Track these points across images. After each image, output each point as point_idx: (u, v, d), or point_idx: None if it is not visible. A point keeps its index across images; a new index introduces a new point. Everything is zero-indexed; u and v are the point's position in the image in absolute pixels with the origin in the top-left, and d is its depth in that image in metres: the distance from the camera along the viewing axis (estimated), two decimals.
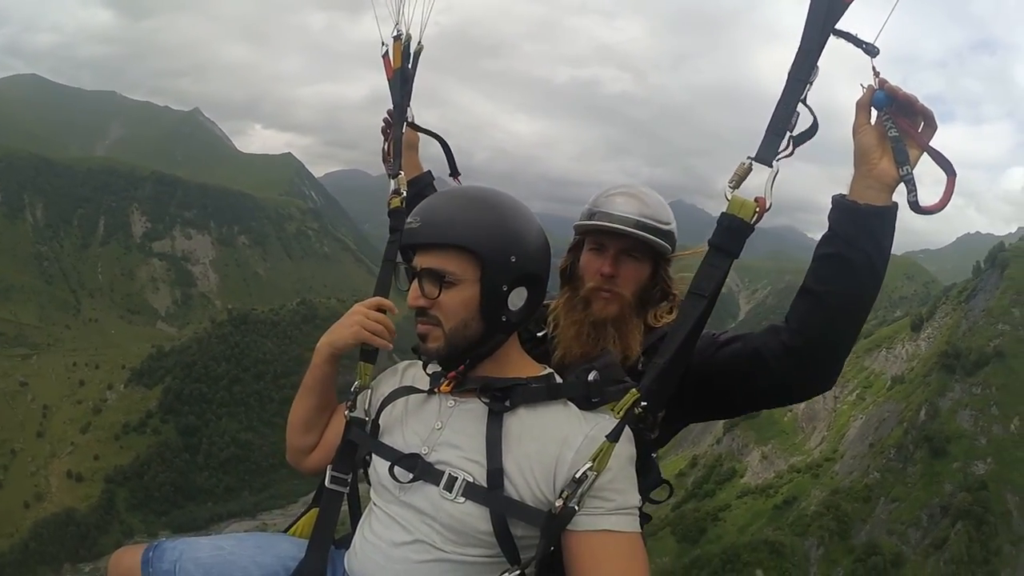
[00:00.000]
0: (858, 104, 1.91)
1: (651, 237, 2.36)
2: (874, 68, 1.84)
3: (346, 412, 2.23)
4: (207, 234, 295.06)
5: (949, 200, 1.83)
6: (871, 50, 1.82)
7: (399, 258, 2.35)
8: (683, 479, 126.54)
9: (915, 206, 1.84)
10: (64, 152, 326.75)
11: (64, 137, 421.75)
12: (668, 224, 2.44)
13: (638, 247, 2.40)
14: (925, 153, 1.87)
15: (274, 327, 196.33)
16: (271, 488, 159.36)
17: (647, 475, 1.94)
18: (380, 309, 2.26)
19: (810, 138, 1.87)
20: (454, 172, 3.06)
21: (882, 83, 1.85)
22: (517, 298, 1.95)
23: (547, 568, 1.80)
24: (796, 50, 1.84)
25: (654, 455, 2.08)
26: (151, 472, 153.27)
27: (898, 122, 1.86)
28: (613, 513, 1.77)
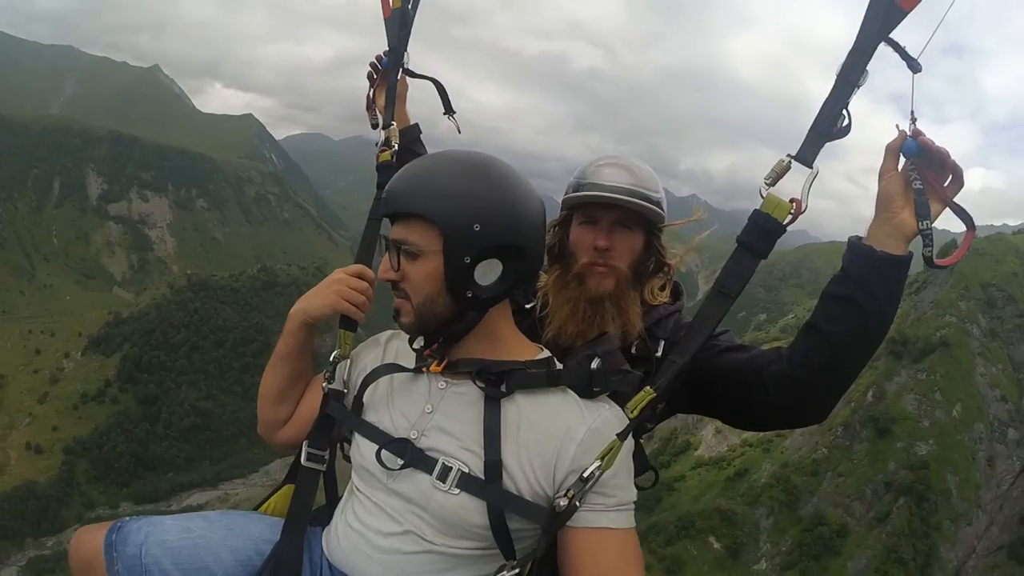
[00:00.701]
0: (887, 148, 1.88)
1: (645, 204, 2.27)
2: (912, 115, 1.82)
3: (324, 384, 2.11)
4: (164, 197, 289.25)
5: (964, 253, 1.88)
6: (915, 66, 1.79)
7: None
8: None
9: (929, 261, 1.85)
10: (18, 109, 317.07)
11: (18, 93, 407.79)
12: (658, 193, 2.35)
13: (631, 217, 2.31)
14: (948, 208, 1.85)
15: (234, 294, 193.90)
16: (232, 457, 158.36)
17: (636, 461, 1.90)
18: (362, 278, 2.15)
19: (845, 135, 1.85)
20: (448, 110, 2.92)
21: (916, 133, 1.83)
22: (487, 271, 1.80)
23: (540, 561, 1.76)
24: (848, 52, 1.83)
25: (640, 441, 2.09)
26: (111, 443, 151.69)
27: (924, 174, 1.84)
28: (613, 510, 1.73)
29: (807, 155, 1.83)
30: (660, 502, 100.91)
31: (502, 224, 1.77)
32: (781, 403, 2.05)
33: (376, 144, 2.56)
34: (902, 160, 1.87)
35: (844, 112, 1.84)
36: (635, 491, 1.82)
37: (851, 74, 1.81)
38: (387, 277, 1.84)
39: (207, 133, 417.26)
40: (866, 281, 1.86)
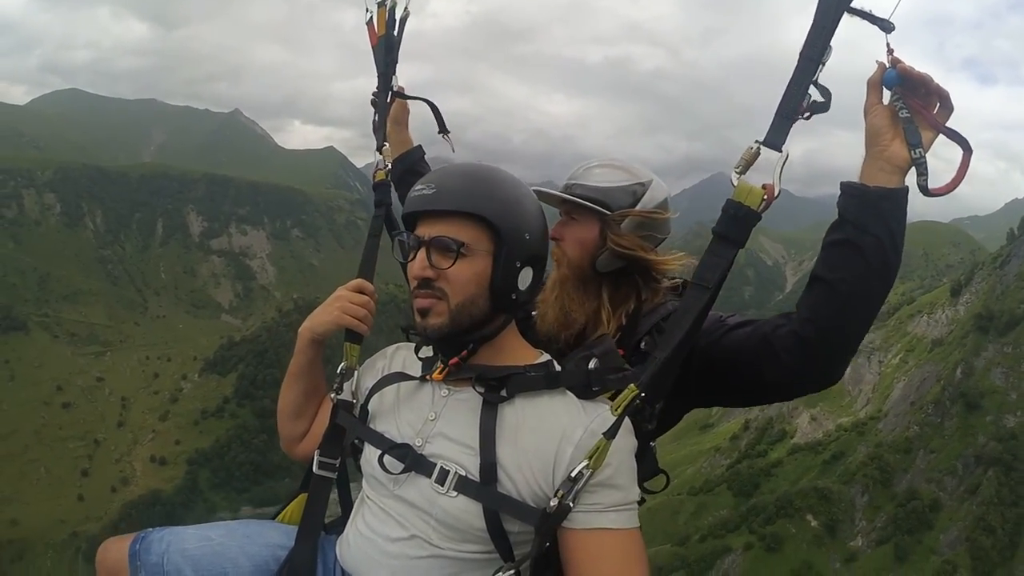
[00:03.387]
0: (869, 83, 1.80)
1: (570, 197, 2.26)
2: (888, 45, 1.72)
3: (332, 395, 2.11)
4: (261, 229, 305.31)
5: (962, 178, 1.70)
6: (886, 26, 1.70)
7: (393, 229, 2.39)
8: (736, 442, 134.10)
9: (924, 189, 1.72)
10: (112, 161, 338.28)
11: (110, 146, 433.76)
12: (610, 183, 2.27)
13: (574, 209, 2.30)
14: (940, 134, 1.75)
15: None
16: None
17: (643, 464, 1.85)
18: (362, 292, 2.16)
19: (824, 112, 1.74)
20: (443, 129, 2.92)
21: (894, 62, 1.73)
22: (526, 278, 1.85)
23: (543, 565, 1.72)
24: (808, 29, 1.72)
25: (652, 444, 2.03)
26: (231, 453, 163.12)
27: (910, 102, 1.74)
28: (612, 510, 1.68)
29: (775, 139, 1.73)
30: (758, 487, 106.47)
31: (541, 236, 1.88)
32: (793, 365, 1.91)
33: (375, 166, 2.57)
34: (887, 95, 1.79)
35: (814, 90, 1.72)
36: (637, 491, 1.77)
37: (813, 52, 1.71)
38: (425, 275, 1.78)
39: (294, 168, 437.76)
40: (863, 221, 1.76)
